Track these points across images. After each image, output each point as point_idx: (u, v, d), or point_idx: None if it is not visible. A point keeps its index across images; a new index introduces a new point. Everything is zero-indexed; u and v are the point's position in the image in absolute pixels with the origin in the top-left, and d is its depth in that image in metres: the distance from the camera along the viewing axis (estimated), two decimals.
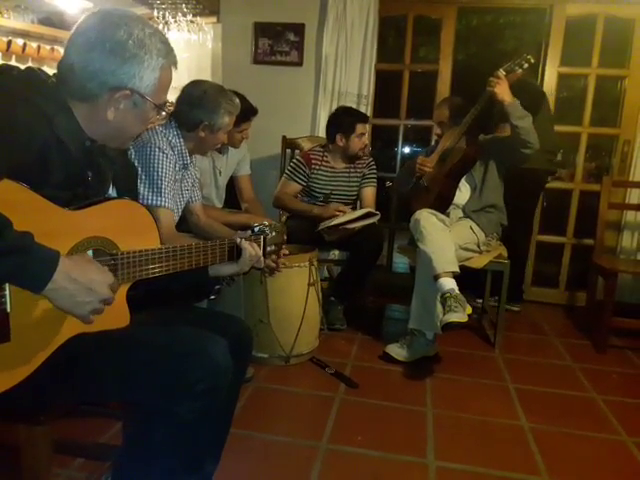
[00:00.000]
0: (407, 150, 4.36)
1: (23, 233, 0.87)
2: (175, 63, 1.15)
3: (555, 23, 3.38)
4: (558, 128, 3.52)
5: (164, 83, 1.14)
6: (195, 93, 1.97)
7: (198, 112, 1.96)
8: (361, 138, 2.99)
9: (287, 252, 1.54)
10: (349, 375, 2.37)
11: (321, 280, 2.76)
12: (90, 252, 1.08)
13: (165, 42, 1.11)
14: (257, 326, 2.34)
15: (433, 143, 3.10)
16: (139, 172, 1.78)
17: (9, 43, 3.39)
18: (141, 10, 3.49)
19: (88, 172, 1.14)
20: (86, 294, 0.95)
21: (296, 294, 2.43)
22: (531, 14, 4.93)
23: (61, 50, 3.47)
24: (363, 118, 3.01)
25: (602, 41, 3.35)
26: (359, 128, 2.96)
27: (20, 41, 3.48)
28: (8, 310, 0.92)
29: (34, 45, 3.57)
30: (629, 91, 3.37)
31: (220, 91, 2.02)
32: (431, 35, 4.78)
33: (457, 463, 1.77)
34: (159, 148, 1.85)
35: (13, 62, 3.52)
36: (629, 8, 3.26)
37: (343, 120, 3.00)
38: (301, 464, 1.72)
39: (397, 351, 2.54)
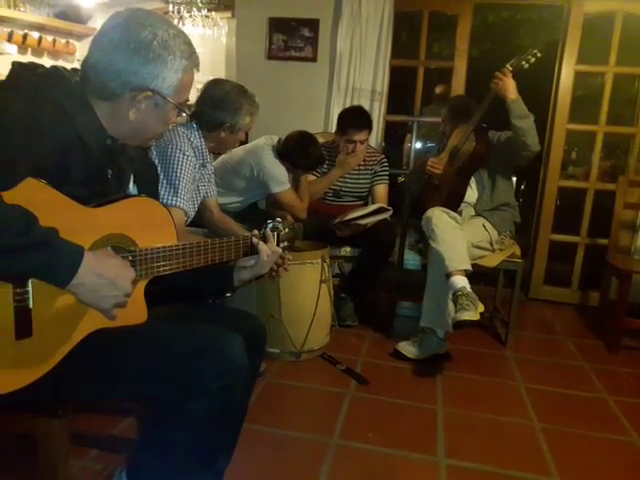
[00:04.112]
0: (419, 145, 4.33)
1: (49, 228, 0.89)
2: (197, 65, 1.16)
3: (573, 20, 3.33)
4: (573, 127, 3.51)
5: (186, 84, 1.14)
6: (217, 94, 2.00)
7: (220, 113, 2.00)
8: (351, 144, 2.90)
9: (290, 257, 1.52)
10: (360, 372, 2.38)
11: (332, 276, 2.77)
12: (109, 249, 1.09)
13: (189, 44, 1.12)
14: (269, 321, 2.35)
15: (445, 140, 3.07)
16: (158, 171, 1.79)
17: (25, 36, 3.43)
18: (156, 4, 3.50)
19: (108, 170, 1.16)
20: (110, 288, 0.97)
21: (308, 290, 2.44)
22: (548, 11, 4.88)
23: (76, 44, 3.52)
24: (357, 123, 2.88)
25: (620, 39, 3.31)
26: (350, 133, 2.87)
27: (36, 34, 3.51)
28: (30, 306, 0.94)
29: (49, 39, 3.60)
30: None
31: (242, 92, 2.04)
32: (445, 31, 4.75)
33: (468, 462, 1.77)
34: (180, 149, 1.87)
35: (29, 55, 3.56)
36: None
37: (340, 119, 3.00)
38: (312, 459, 1.73)
39: (408, 349, 2.54)
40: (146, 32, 1.06)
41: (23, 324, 0.93)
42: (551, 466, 1.78)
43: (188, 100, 1.22)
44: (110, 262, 0.99)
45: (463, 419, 2.06)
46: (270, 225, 1.45)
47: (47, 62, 3.66)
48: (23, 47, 3.49)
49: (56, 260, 0.89)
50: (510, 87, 2.50)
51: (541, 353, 2.78)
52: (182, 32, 1.13)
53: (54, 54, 3.72)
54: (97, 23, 3.87)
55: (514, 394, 2.29)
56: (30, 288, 0.94)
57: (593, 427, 2.04)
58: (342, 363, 2.44)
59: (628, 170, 3.45)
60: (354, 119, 2.93)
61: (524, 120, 2.49)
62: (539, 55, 2.51)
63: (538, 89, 3.82)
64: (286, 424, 1.93)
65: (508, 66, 2.52)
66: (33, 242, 0.86)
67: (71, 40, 3.78)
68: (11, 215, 0.85)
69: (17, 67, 1.07)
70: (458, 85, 3.59)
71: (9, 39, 3.34)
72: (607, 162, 4.17)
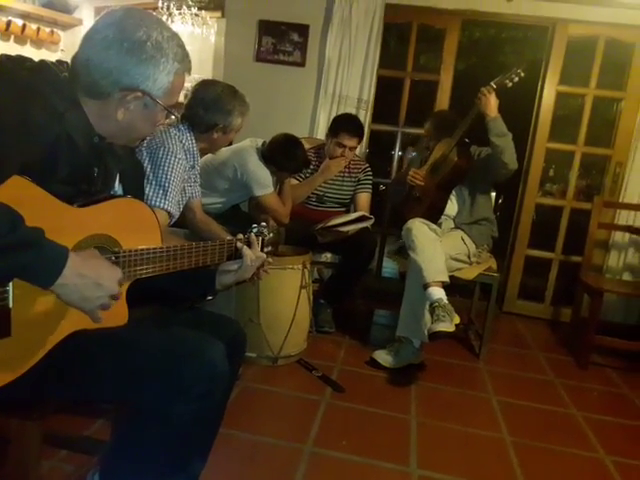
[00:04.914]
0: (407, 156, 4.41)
1: (34, 229, 0.88)
2: (189, 69, 1.15)
3: (556, 42, 3.41)
4: (552, 145, 3.59)
5: (176, 87, 1.14)
6: (208, 96, 2.00)
7: (213, 115, 2.00)
8: (340, 147, 2.95)
9: (271, 260, 1.52)
10: (336, 379, 2.38)
11: (311, 282, 2.77)
12: (93, 249, 1.08)
13: (182, 47, 1.12)
14: (247, 325, 2.34)
15: (428, 153, 3.10)
16: (147, 172, 1.78)
17: (8, 23, 3.35)
18: (146, 0, 3.46)
19: (94, 168, 1.14)
20: (94, 289, 0.95)
21: (287, 296, 2.44)
22: (533, 31, 4.99)
23: (61, 33, 3.45)
24: (350, 129, 2.94)
25: (601, 63, 3.40)
26: (342, 137, 2.93)
27: (20, 22, 3.43)
28: (10, 306, 0.92)
29: (34, 27, 3.52)
30: (624, 113, 3.42)
31: (233, 92, 2.06)
32: (432, 43, 4.81)
33: (439, 473, 1.79)
34: (172, 152, 1.86)
35: (11, 42, 3.48)
36: (630, 31, 3.30)
37: (334, 122, 3.04)
38: (285, 466, 1.73)
39: (384, 357, 2.56)
40: (140, 32, 1.05)
41: (2, 324, 0.92)
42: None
43: (180, 104, 1.21)
44: (95, 263, 0.97)
45: (435, 430, 2.08)
46: (255, 230, 1.45)
47: (30, 51, 3.59)
48: (6, 34, 3.41)
49: (41, 261, 0.87)
50: (491, 105, 2.54)
51: (513, 367, 2.83)
52: (176, 35, 1.13)
53: (37, 43, 3.65)
54: (83, 14, 3.81)
55: (486, 407, 2.33)
56: (10, 287, 0.92)
57: (562, 442, 2.08)
58: (318, 369, 2.45)
59: (603, 191, 3.54)
60: (348, 124, 2.97)
61: (502, 138, 2.53)
62: (522, 75, 2.56)
63: (520, 107, 3.90)
64: (260, 429, 1.93)
65: (492, 84, 2.56)
66: (18, 242, 0.84)
67: (56, 30, 3.71)
68: None
69: (4, 60, 1.04)
70: (443, 98, 3.64)
71: None
72: (583, 181, 4.27)
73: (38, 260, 0.87)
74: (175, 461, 1.19)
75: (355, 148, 3.02)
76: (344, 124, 2.97)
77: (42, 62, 1.07)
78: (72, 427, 1.74)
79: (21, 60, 1.05)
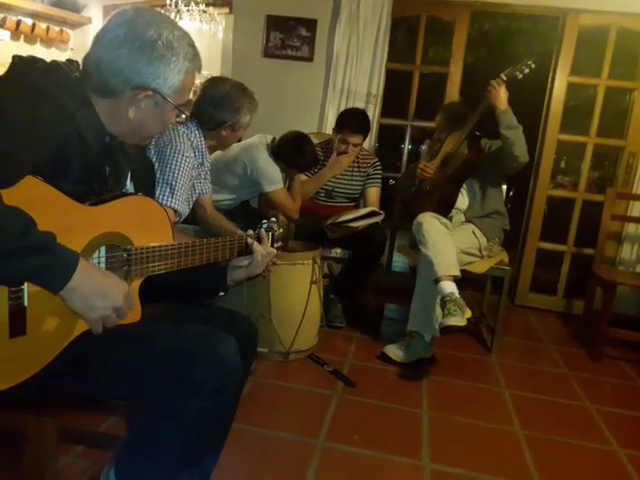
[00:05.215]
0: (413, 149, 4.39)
1: (46, 233, 0.88)
2: (200, 68, 1.16)
3: (567, 32, 3.37)
4: (563, 137, 3.55)
5: (187, 86, 1.14)
6: (217, 94, 2.01)
7: (221, 113, 2.02)
8: (344, 144, 2.94)
9: (279, 253, 1.52)
10: (347, 374, 2.39)
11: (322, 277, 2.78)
12: (103, 248, 1.09)
13: (192, 46, 1.12)
14: (258, 321, 2.35)
15: (439, 145, 3.07)
16: (155, 169, 1.79)
17: (18, 23, 3.38)
18: None
19: (106, 167, 1.15)
20: (100, 298, 0.96)
21: (298, 291, 2.44)
22: (544, 22, 4.93)
23: (70, 32, 3.46)
24: (354, 126, 2.93)
25: (613, 52, 3.36)
26: (345, 133, 2.93)
27: (29, 21, 3.46)
28: (25, 304, 0.93)
29: (43, 26, 3.55)
30: (637, 103, 3.37)
31: (242, 90, 2.07)
32: (441, 35, 4.78)
33: (451, 467, 1.79)
34: (179, 150, 1.86)
35: (21, 42, 3.51)
36: None
37: (339, 117, 3.04)
38: (298, 461, 1.74)
39: (395, 352, 2.56)
40: (151, 31, 1.06)
41: (17, 322, 0.93)
42: (533, 474, 1.80)
43: (190, 100, 1.22)
44: (104, 273, 0.99)
45: (448, 424, 2.08)
46: (265, 225, 1.46)
47: (40, 50, 3.61)
48: (16, 34, 3.44)
49: (52, 265, 0.88)
50: (501, 97, 2.51)
51: (525, 360, 2.82)
52: (187, 34, 1.13)
53: (47, 42, 3.68)
54: (92, 13, 3.83)
55: (498, 400, 2.32)
56: (25, 286, 0.93)
57: (575, 435, 2.07)
58: (329, 364, 2.45)
59: (616, 182, 3.51)
60: (353, 121, 2.96)
61: (512, 131, 2.51)
62: (533, 66, 2.53)
63: (531, 98, 3.87)
64: (273, 424, 1.94)
65: (502, 76, 2.53)
66: (30, 247, 0.85)
67: (65, 28, 3.73)
68: (10, 218, 0.84)
69: (17, 61, 1.05)
70: (453, 91, 3.62)
71: (2, 25, 3.29)
72: (595, 173, 4.23)
73: (49, 264, 0.88)
74: (188, 456, 1.20)
75: (359, 144, 3.00)
76: (348, 121, 2.96)
77: (53, 62, 1.08)
78: (87, 423, 1.77)
79: (33, 61, 1.06)
